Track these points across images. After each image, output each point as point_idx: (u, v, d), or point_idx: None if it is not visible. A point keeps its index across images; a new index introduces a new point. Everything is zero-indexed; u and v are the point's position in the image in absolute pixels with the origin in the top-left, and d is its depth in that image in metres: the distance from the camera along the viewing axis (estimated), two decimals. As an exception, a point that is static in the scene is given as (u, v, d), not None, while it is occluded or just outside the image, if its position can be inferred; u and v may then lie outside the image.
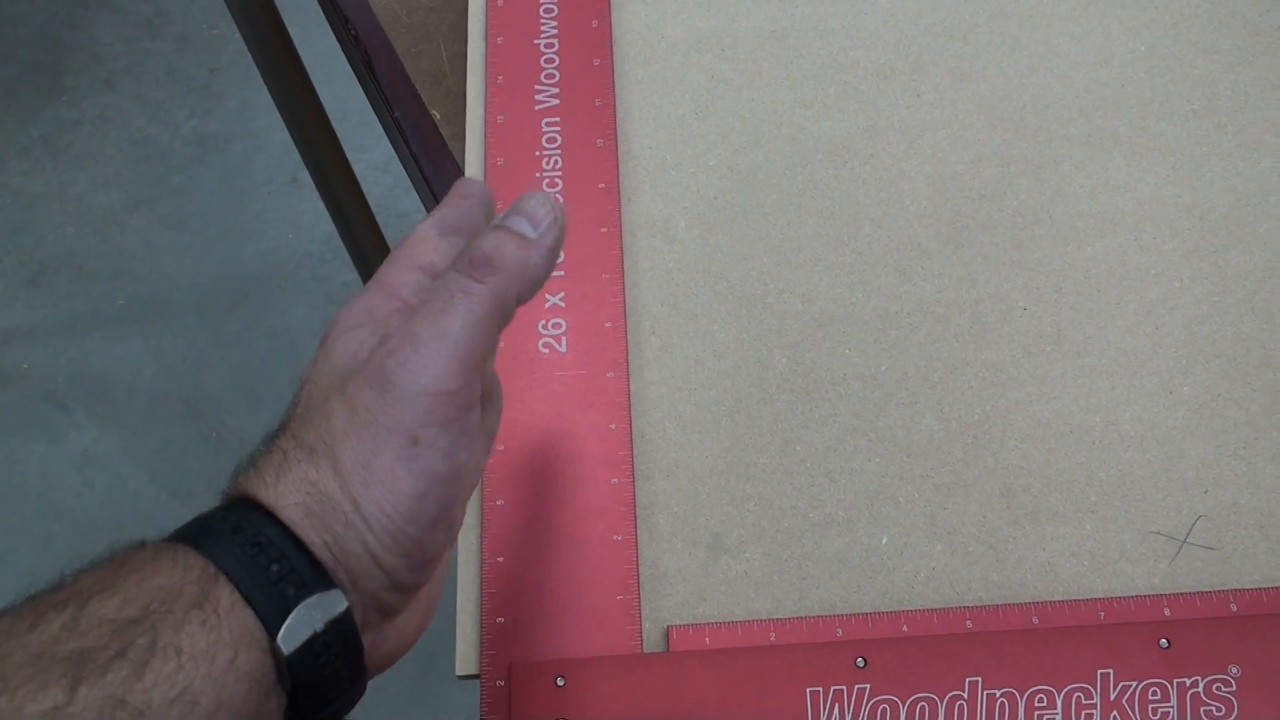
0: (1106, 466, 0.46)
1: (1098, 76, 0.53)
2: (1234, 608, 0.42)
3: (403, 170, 0.62)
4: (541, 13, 0.56)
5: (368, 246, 1.25)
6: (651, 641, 0.43)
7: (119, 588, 0.30)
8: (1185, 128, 0.52)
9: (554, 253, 0.37)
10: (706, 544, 0.45)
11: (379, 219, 1.22)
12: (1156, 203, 0.51)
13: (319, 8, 0.64)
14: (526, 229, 0.36)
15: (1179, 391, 0.47)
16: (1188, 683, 0.41)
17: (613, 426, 0.46)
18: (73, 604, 0.30)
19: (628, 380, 0.47)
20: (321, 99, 1.09)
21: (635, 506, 0.45)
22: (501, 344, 0.47)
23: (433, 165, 0.54)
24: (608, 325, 0.48)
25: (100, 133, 1.54)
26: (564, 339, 0.48)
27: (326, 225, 1.39)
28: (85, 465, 1.31)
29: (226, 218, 1.45)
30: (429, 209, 0.55)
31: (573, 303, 0.49)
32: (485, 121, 0.53)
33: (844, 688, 0.41)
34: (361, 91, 0.61)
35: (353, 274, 1.36)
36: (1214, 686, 0.41)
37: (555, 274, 0.49)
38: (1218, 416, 0.46)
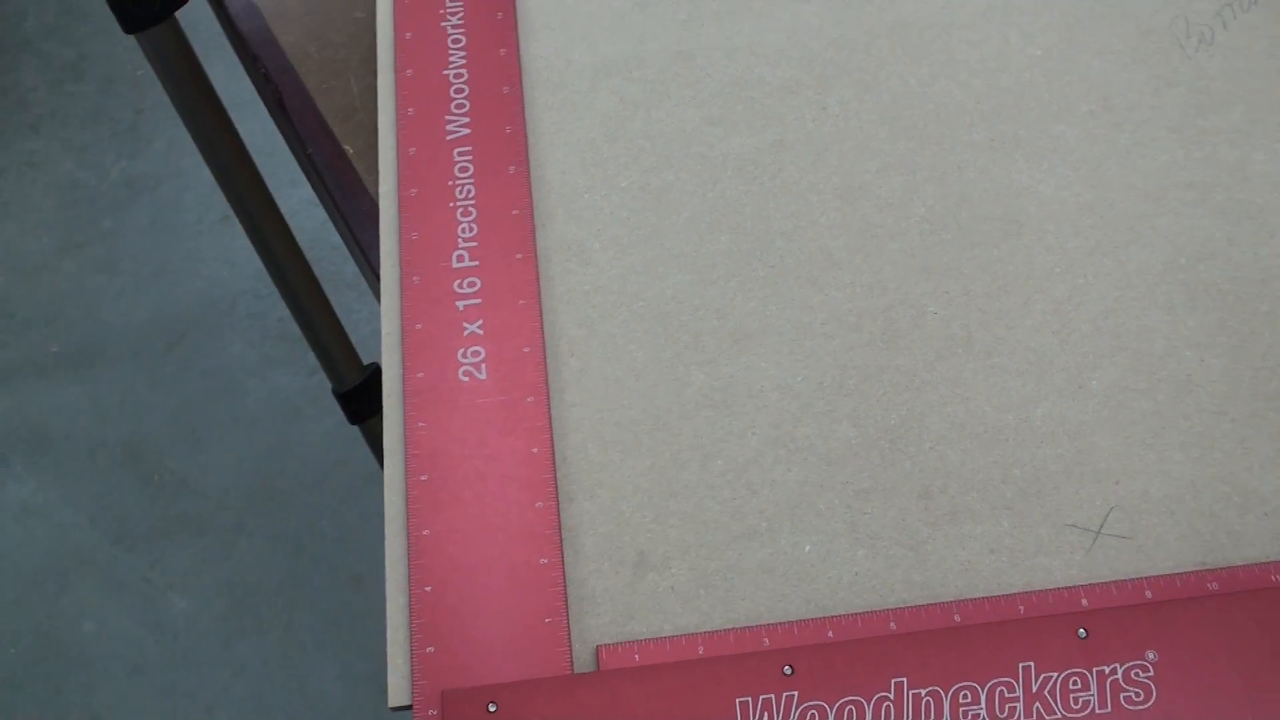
0: (1021, 463, 0.46)
1: (997, 82, 0.55)
2: (1149, 594, 0.43)
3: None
4: (450, 44, 0.56)
5: (298, 285, 1.24)
6: (582, 662, 0.44)
7: None
8: (1083, 128, 0.53)
9: None
10: (632, 562, 0.45)
11: (314, 253, 1.22)
12: (1058, 203, 0.52)
13: (234, 49, 0.64)
14: None
15: (1088, 386, 0.48)
16: (1106, 670, 0.42)
17: (535, 450, 0.47)
18: None
19: (548, 404, 0.48)
20: (252, 134, 1.09)
21: (560, 529, 0.46)
22: (421, 373, 0.48)
23: (348, 199, 0.55)
24: (526, 350, 0.49)
25: (28, 179, 1.52)
26: (483, 366, 0.48)
27: (259, 262, 1.39)
28: (25, 516, 1.30)
29: (159, 259, 1.45)
30: (347, 243, 0.56)
31: (491, 330, 0.49)
32: (398, 154, 0.53)
33: (772, 696, 0.42)
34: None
35: (288, 310, 1.36)
36: (1132, 672, 0.42)
37: (473, 302, 0.50)
38: (1125, 409, 0.47)
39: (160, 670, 1.17)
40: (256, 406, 1.34)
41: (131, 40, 1.57)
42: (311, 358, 1.34)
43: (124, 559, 1.26)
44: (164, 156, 1.52)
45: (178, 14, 0.86)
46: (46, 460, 1.33)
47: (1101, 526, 0.45)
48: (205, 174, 1.49)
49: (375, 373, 1.03)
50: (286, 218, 1.09)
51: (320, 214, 1.45)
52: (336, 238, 1.45)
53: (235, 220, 1.44)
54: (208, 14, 0.81)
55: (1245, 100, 0.54)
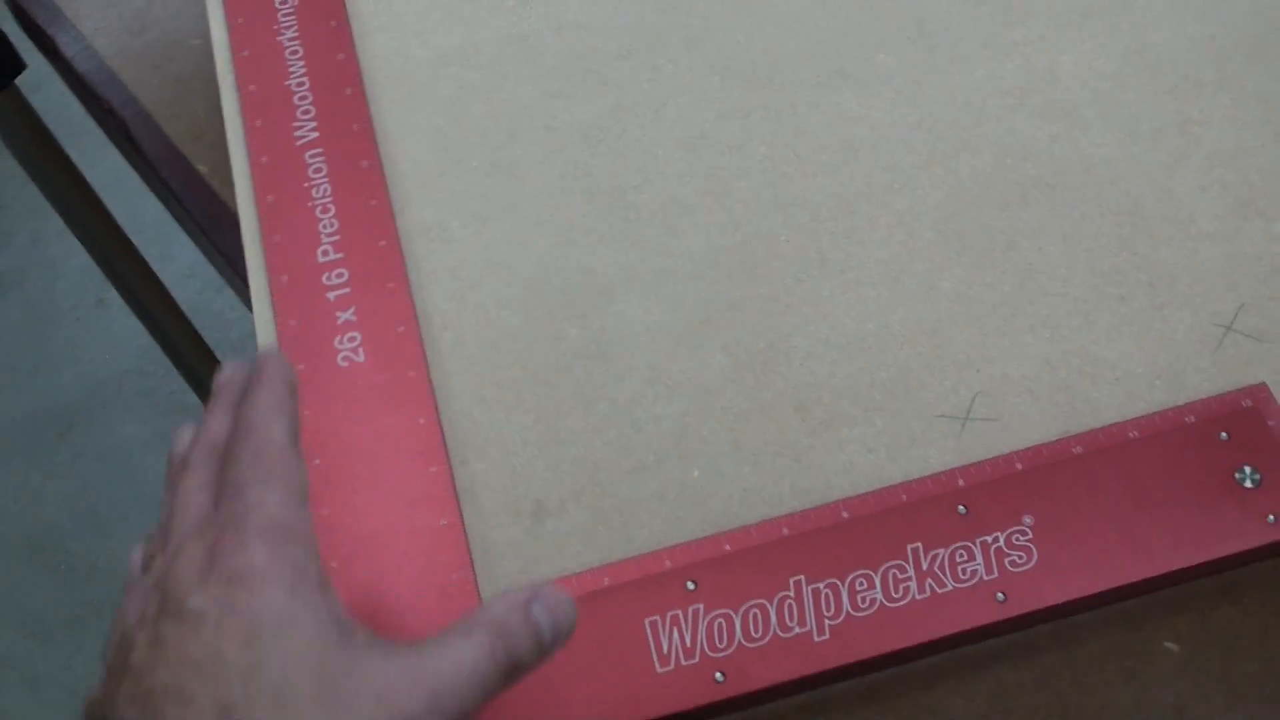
0: (885, 366, 0.49)
1: (817, 23, 0.57)
2: (1019, 466, 0.46)
3: (211, 271, 0.63)
4: (287, 55, 0.57)
5: (187, 352, 1.24)
6: (492, 611, 0.45)
7: None
8: (903, 55, 0.56)
9: (547, 658, 0.39)
10: (530, 511, 0.47)
11: (195, 321, 1.22)
12: (888, 125, 0.54)
13: (95, 128, 0.64)
14: (547, 637, 0.38)
15: (938, 287, 0.50)
16: (989, 540, 0.44)
17: (421, 421, 0.48)
18: None
19: (428, 376, 0.49)
20: (117, 216, 1.09)
21: (456, 490, 0.47)
22: (301, 365, 0.49)
23: (208, 216, 0.56)
24: (401, 330, 0.50)
25: (-110, 290, 1.50)
26: (360, 350, 0.50)
27: (141, 339, 1.38)
28: (-69, 624, 1.27)
29: (37, 351, 1.43)
30: (210, 257, 0.56)
31: (364, 315, 0.50)
32: (250, 164, 0.54)
33: (679, 611, 0.43)
34: (157, 201, 0.62)
35: (179, 382, 1.35)
36: (1013, 538, 0.44)
37: (342, 292, 0.51)
38: (976, 302, 0.50)
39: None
40: (157, 482, 1.32)
41: (-18, 139, 1.55)
42: (206, 425, 1.33)
43: (40, 652, 1.23)
44: (28, 250, 1.51)
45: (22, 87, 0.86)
46: (-54, 565, 1.30)
47: (968, 412, 0.48)
48: (74, 262, 1.48)
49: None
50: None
51: (196, 284, 1.45)
52: (216, 304, 1.45)
53: (110, 302, 1.43)
54: (59, 97, 0.80)
55: (1048, 9, 0.57)
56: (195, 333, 1.22)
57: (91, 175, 1.03)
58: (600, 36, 0.58)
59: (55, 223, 1.05)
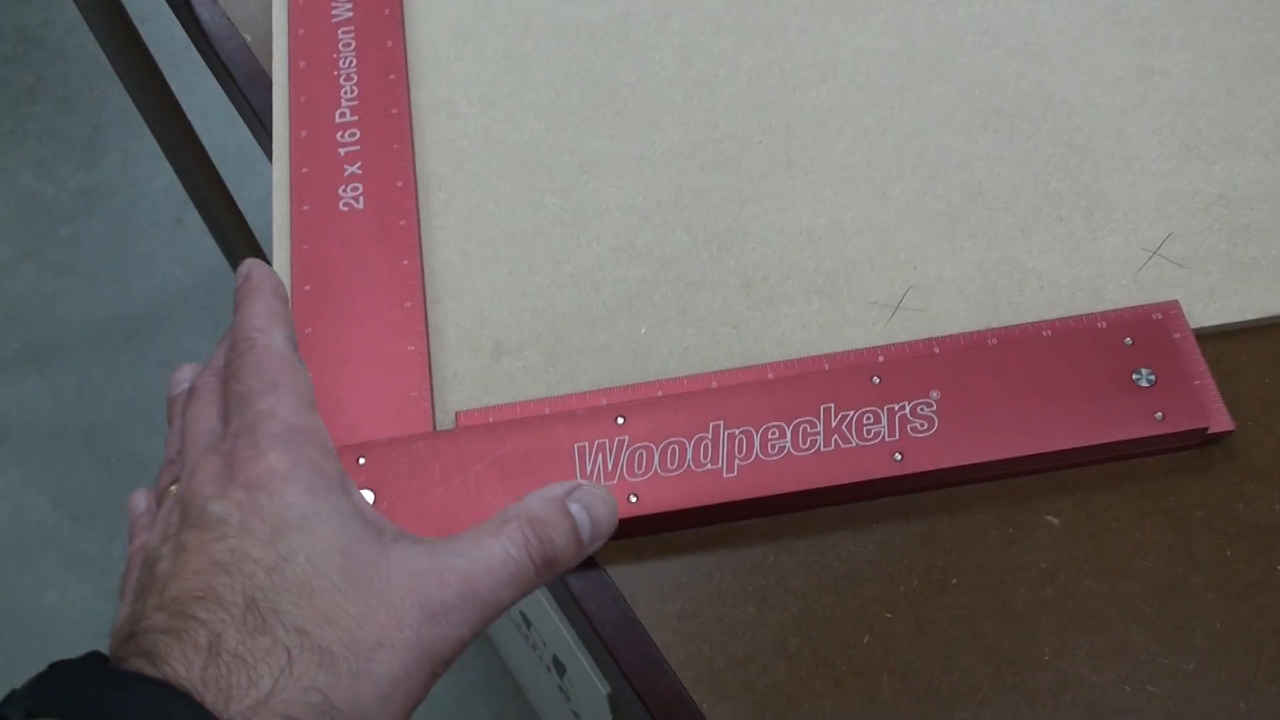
0: (831, 256, 0.53)
1: (819, -44, 0.62)
2: (936, 350, 0.50)
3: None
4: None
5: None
6: (443, 427, 0.50)
7: None
8: (894, -10, 0.61)
9: (586, 554, 0.41)
10: (490, 349, 0.52)
11: (264, 247, 1.29)
12: (870, 51, 0.59)
13: (197, 59, 0.70)
14: (585, 533, 0.40)
15: (891, 194, 0.54)
16: (896, 408, 0.48)
17: (405, 262, 0.53)
18: None
19: (418, 226, 0.54)
20: (205, 143, 1.16)
21: (426, 324, 0.52)
22: (306, 205, 0.54)
23: (246, 78, 0.61)
24: (399, 185, 0.55)
25: (-13, 192, 1.59)
26: (361, 198, 0.55)
27: (211, 259, 1.46)
28: (-13, 500, 1.35)
29: (114, 261, 1.51)
30: (244, 115, 0.62)
31: (368, 169, 0.56)
32: (289, 35, 0.60)
33: (606, 440, 0.48)
34: (241, 132, 0.68)
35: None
36: (918, 408, 0.48)
37: (352, 149, 0.56)
38: (923, 210, 0.54)
39: (118, 637, 1.22)
40: (209, 391, 1.39)
41: (87, 64, 1.64)
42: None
43: (83, 535, 1.31)
44: (119, 168, 1.59)
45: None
46: (7, 448, 1.38)
47: (900, 302, 0.52)
48: (159, 181, 1.56)
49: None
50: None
51: (268, 213, 1.52)
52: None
53: (187, 223, 1.51)
54: (166, 31, 0.87)
55: (1034, -39, 0.61)
56: (263, 254, 1.29)
57: (186, 102, 1.09)
58: (619, -48, 0.63)
59: (146, 144, 1.12)
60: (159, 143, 1.14)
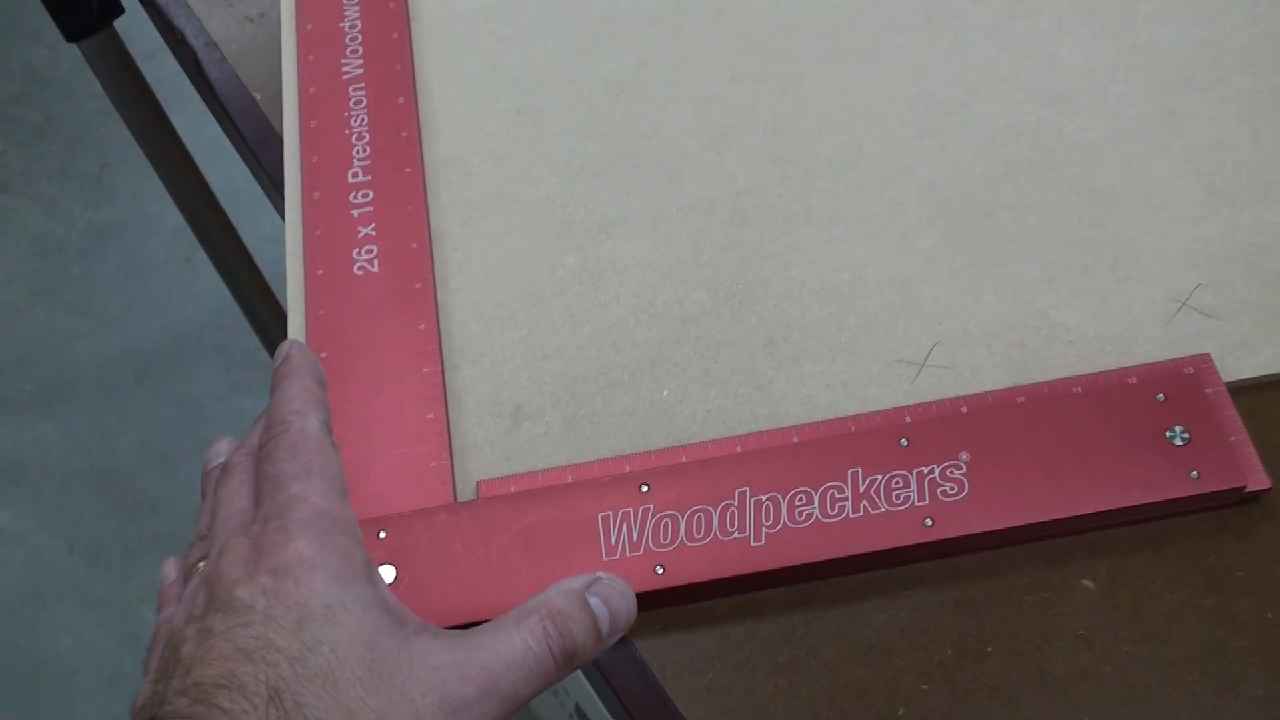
0: (854, 313, 0.52)
1: (834, 3, 0.61)
2: (964, 410, 0.49)
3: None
4: (344, 1, 0.63)
5: (263, 311, 1.30)
6: (464, 497, 0.49)
7: None
8: (910, 37, 0.60)
9: (605, 647, 0.41)
10: (510, 415, 0.51)
11: (273, 285, 1.28)
12: (888, 99, 0.58)
13: (200, 100, 0.70)
14: (605, 627, 0.40)
15: (913, 246, 0.54)
16: (925, 470, 0.47)
17: (422, 327, 0.52)
18: None
19: (434, 289, 0.54)
20: (211, 182, 1.15)
21: (445, 390, 0.51)
22: (320, 270, 0.54)
23: (257, 137, 0.61)
24: (414, 246, 0.55)
25: (-1, 233, 1.59)
26: (376, 261, 0.54)
27: (222, 297, 1.45)
28: (3, 543, 1.35)
29: (126, 299, 1.51)
30: (255, 173, 0.62)
31: (383, 231, 0.55)
32: (299, 93, 0.59)
33: (630, 509, 0.47)
34: (248, 171, 0.67)
35: (253, 339, 1.42)
36: (948, 470, 0.47)
37: (366, 210, 0.55)
38: (947, 262, 0.53)
39: (136, 680, 1.21)
40: (223, 429, 1.38)
41: (95, 101, 1.65)
42: (275, 382, 1.39)
43: (99, 578, 1.30)
44: (129, 205, 1.59)
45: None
46: (22, 491, 1.38)
47: (925, 359, 0.51)
48: (169, 219, 1.55)
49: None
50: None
51: (277, 249, 1.51)
52: (296, 269, 1.51)
53: (197, 260, 1.51)
54: (171, 68, 0.86)
55: (1053, 6, 0.60)
56: (271, 294, 1.29)
57: (194, 138, 1.09)
58: (631, 1, 0.62)
59: (155, 181, 1.11)
60: (164, 183, 1.14)
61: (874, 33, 0.60)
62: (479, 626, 0.38)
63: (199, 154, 1.12)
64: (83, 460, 1.40)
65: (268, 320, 1.31)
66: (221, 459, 0.45)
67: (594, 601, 0.40)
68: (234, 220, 1.18)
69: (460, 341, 0.53)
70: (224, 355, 1.46)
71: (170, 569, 0.44)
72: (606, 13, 0.62)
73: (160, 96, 1.03)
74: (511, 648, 0.37)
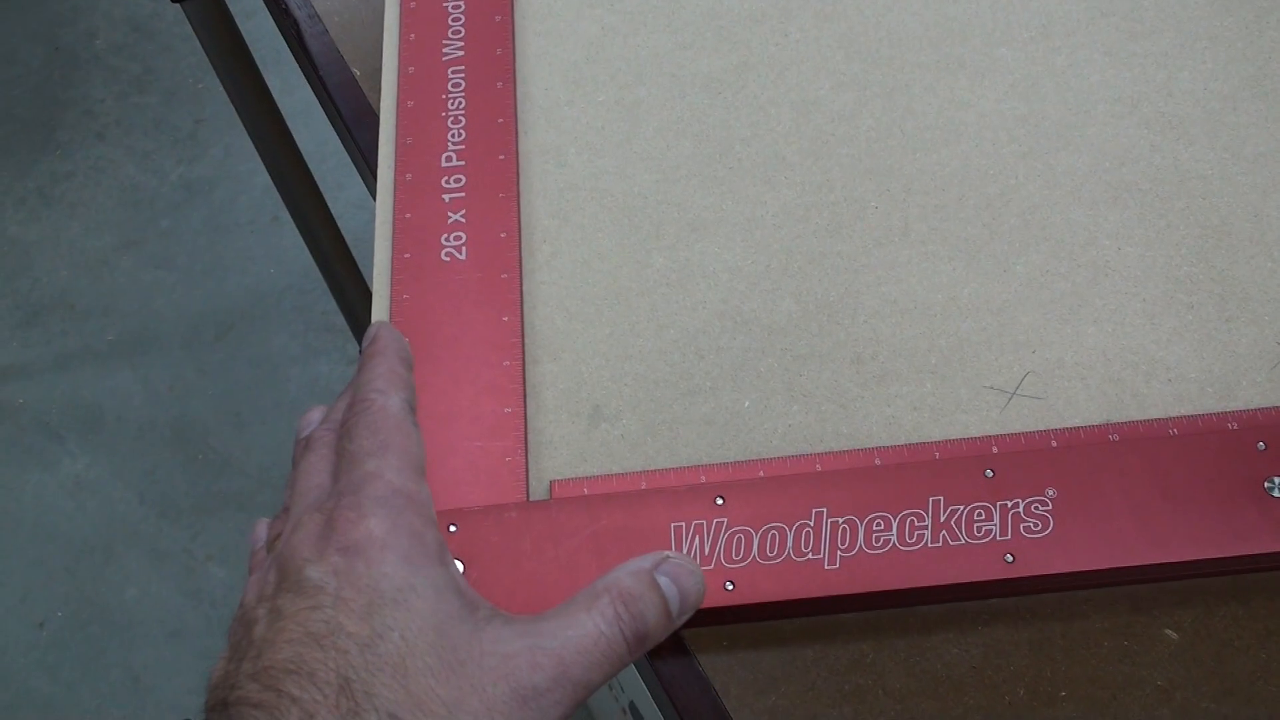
0: (946, 334, 0.51)
1: (946, 11, 0.59)
2: (1054, 444, 0.47)
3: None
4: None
5: (344, 277, 1.31)
6: (536, 495, 0.48)
7: None
8: (1023, 52, 0.58)
9: (675, 626, 0.40)
10: (588, 414, 0.50)
11: (355, 251, 1.29)
12: (996, 115, 0.56)
13: (296, 62, 0.70)
14: (674, 606, 0.39)
15: (1012, 270, 0.52)
16: (1009, 504, 0.46)
17: (505, 319, 0.52)
18: None
19: (520, 281, 0.53)
20: (301, 144, 1.16)
21: (524, 384, 0.51)
22: (408, 254, 0.53)
23: (353, 114, 0.61)
24: (503, 236, 0.54)
25: (92, 182, 1.61)
26: (464, 248, 0.54)
27: (305, 259, 1.46)
28: (77, 490, 1.37)
29: (211, 256, 1.52)
30: (349, 150, 0.61)
31: (472, 218, 0.54)
32: (399, 72, 0.59)
33: (704, 521, 0.46)
34: (336, 136, 0.67)
35: (331, 303, 1.42)
36: (1033, 506, 0.46)
37: (457, 195, 0.55)
38: (1046, 289, 0.52)
39: (197, 636, 1.23)
40: (298, 392, 1.40)
41: (194, 56, 1.66)
42: (352, 347, 1.40)
43: (168, 531, 1.32)
44: (220, 162, 1.61)
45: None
46: (99, 439, 1.40)
47: (1017, 388, 0.49)
48: (258, 178, 1.56)
49: None
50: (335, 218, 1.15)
51: (364, 215, 1.52)
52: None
53: (284, 221, 1.52)
54: (270, 29, 0.87)
55: (1175, 28, 0.58)
56: (353, 260, 1.29)
57: (286, 102, 1.10)
58: (738, -1, 0.61)
59: (248, 141, 1.12)
60: (254, 143, 1.15)
61: (985, 45, 0.58)
62: (549, 611, 0.37)
63: (292, 115, 1.12)
64: (159, 413, 1.41)
65: (348, 286, 1.32)
66: (311, 429, 0.45)
67: (663, 581, 0.39)
68: (321, 185, 1.19)
69: (543, 336, 0.52)
70: (303, 318, 1.47)
71: (261, 532, 0.44)
72: (712, 8, 0.61)
73: (258, 55, 1.03)
74: (583, 632, 0.37)
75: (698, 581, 0.40)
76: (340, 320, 1.34)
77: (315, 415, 0.46)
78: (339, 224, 1.23)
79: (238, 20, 0.97)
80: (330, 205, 1.21)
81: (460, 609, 0.37)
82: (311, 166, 1.15)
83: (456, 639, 0.35)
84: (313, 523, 0.38)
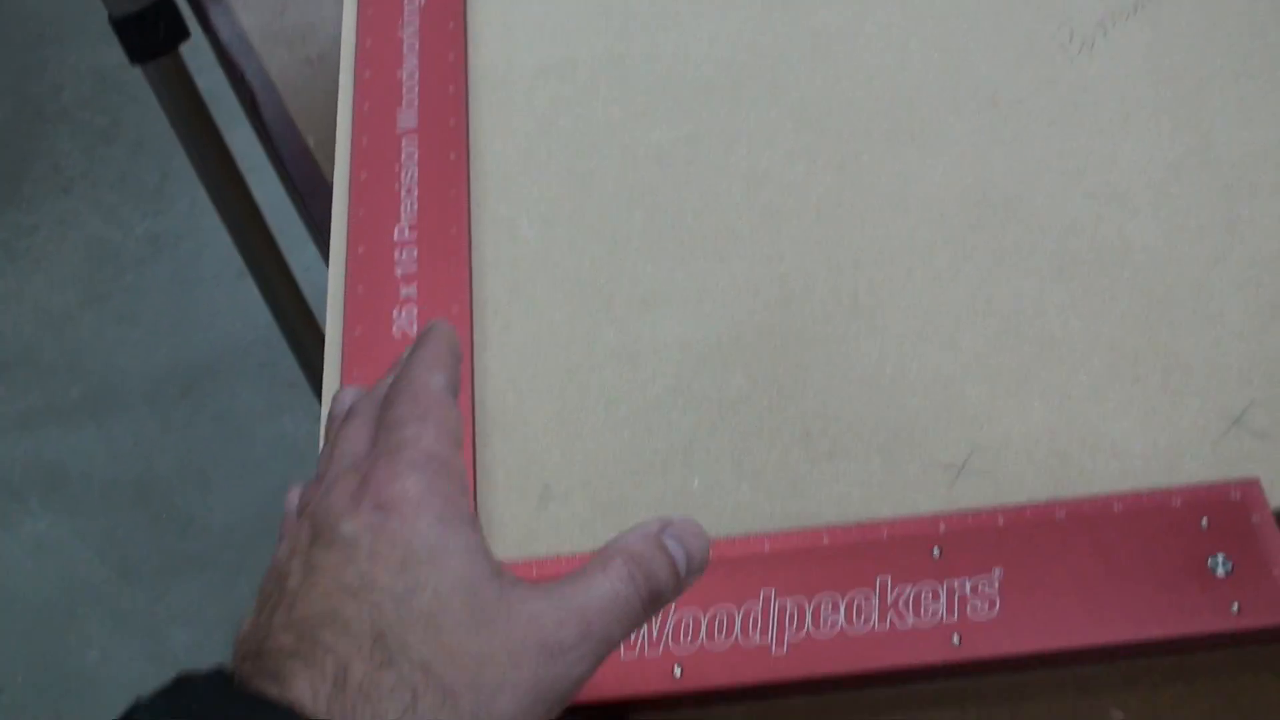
0: (895, 409, 0.51)
1: (896, 83, 0.60)
2: (1000, 521, 0.47)
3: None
4: (405, 50, 0.62)
5: (304, 335, 1.30)
6: (484, 575, 0.48)
7: None
8: (971, 123, 0.59)
9: (686, 587, 0.40)
10: (538, 493, 0.50)
11: (317, 309, 1.28)
12: (943, 187, 0.57)
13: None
14: (682, 567, 0.39)
15: (959, 344, 0.52)
16: (956, 584, 0.46)
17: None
18: None
19: (471, 356, 0.53)
20: (265, 198, 1.15)
21: (475, 463, 0.50)
22: (359, 330, 0.53)
23: (307, 185, 0.61)
24: (454, 310, 0.54)
25: (58, 236, 1.60)
26: (415, 324, 0.54)
27: (271, 314, 1.45)
28: (38, 551, 1.35)
29: (177, 311, 1.51)
30: (305, 221, 0.61)
31: (424, 292, 0.54)
32: (351, 143, 0.59)
33: (651, 602, 0.46)
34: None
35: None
36: (979, 586, 0.45)
37: (409, 269, 0.55)
38: (993, 363, 0.52)
39: (159, 697, 1.21)
40: (263, 450, 1.39)
41: (160, 107, 1.65)
42: (317, 405, 1.39)
43: (129, 593, 1.30)
44: (187, 215, 1.60)
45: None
46: (61, 498, 1.39)
47: (964, 464, 0.49)
48: (224, 232, 1.56)
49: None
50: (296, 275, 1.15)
51: (322, 274, 1.52)
52: (346, 291, 1.51)
53: (249, 276, 1.51)
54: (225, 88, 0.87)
55: (1118, 98, 0.59)
56: (313, 318, 1.29)
57: (251, 154, 1.09)
58: (691, 68, 0.61)
59: (215, 195, 1.12)
60: (215, 204, 1.14)
61: (934, 115, 0.59)
62: (564, 576, 0.38)
63: (259, 168, 1.11)
64: (122, 471, 1.40)
65: (307, 344, 1.31)
66: (347, 405, 0.46)
67: (670, 543, 0.39)
68: (282, 241, 1.18)
69: (494, 412, 0.52)
70: (269, 374, 1.46)
71: (293, 498, 0.45)
72: (664, 79, 0.61)
73: (224, 107, 1.03)
74: (601, 591, 0.37)
75: (703, 543, 0.41)
76: (304, 377, 1.33)
77: (349, 395, 0.46)
78: (303, 279, 1.22)
79: (200, 74, 0.97)
80: (292, 263, 1.20)
81: (490, 571, 0.37)
82: (273, 222, 1.15)
83: (486, 598, 0.36)
84: (348, 482, 0.38)
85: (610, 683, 0.45)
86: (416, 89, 0.61)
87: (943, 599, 0.45)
